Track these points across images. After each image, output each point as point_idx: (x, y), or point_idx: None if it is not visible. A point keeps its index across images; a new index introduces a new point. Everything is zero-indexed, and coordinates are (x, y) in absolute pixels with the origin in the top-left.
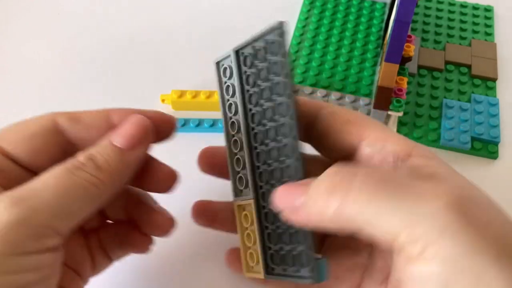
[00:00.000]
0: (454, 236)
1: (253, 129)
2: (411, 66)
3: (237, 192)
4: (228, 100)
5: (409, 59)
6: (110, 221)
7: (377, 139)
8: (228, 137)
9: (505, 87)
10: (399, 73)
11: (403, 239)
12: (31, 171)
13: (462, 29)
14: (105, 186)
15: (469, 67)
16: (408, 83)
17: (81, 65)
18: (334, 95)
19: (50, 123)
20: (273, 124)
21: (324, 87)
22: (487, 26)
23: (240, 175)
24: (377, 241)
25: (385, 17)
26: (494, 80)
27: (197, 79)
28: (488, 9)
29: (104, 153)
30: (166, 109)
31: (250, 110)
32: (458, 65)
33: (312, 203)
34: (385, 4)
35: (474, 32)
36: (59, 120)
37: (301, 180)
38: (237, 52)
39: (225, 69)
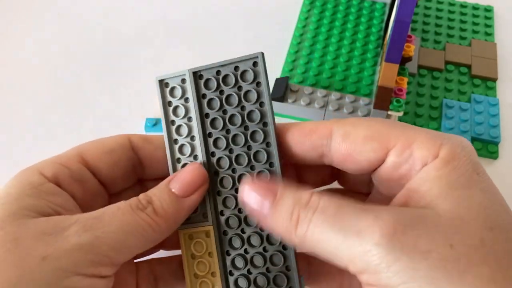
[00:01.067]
0: (386, 274)
1: (213, 154)
2: (411, 66)
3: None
4: (174, 121)
5: (409, 59)
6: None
7: (403, 147)
8: (174, 159)
9: (505, 87)
10: (399, 73)
11: (351, 269)
12: (104, 185)
13: (462, 29)
14: (160, 228)
15: (469, 67)
16: (408, 83)
17: (81, 64)
18: (334, 95)
19: (126, 140)
20: (245, 151)
21: (324, 87)
22: (487, 26)
23: None
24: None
25: (385, 17)
26: (494, 80)
27: None
28: (488, 9)
29: (161, 198)
30: None
31: (211, 134)
32: (458, 65)
33: (277, 222)
34: (385, 4)
35: (474, 32)
36: (133, 138)
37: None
38: (196, 74)
39: (173, 88)
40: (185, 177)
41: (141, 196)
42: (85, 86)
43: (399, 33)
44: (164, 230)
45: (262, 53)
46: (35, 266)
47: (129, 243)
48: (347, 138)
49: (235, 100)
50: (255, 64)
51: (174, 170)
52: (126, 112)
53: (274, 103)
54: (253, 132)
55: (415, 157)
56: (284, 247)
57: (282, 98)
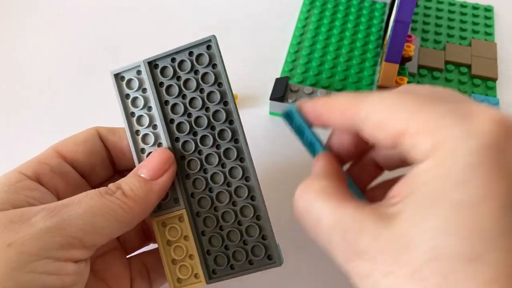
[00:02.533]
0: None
1: (177, 139)
2: (411, 66)
3: (154, 209)
4: (134, 113)
5: (409, 59)
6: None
7: (410, 134)
8: (138, 150)
9: (505, 87)
10: (399, 73)
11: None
12: (84, 176)
13: (462, 29)
14: (132, 210)
15: (469, 67)
16: (408, 83)
17: (81, 64)
18: (334, 95)
19: (94, 132)
20: (209, 131)
21: (324, 87)
22: (487, 26)
23: None
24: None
25: (385, 17)
26: (494, 80)
27: None
28: (488, 9)
29: (130, 183)
30: None
31: (173, 120)
32: (458, 65)
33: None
34: (385, 4)
35: (474, 32)
36: (100, 130)
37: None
38: (151, 63)
39: (130, 80)
40: (152, 161)
41: (110, 184)
42: (85, 86)
43: (399, 33)
44: (136, 212)
45: (214, 36)
46: (0, 253)
47: (99, 224)
48: (367, 122)
49: (193, 84)
50: (208, 47)
51: (139, 160)
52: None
53: (275, 103)
54: (215, 112)
55: (419, 147)
56: (258, 217)
57: (282, 98)
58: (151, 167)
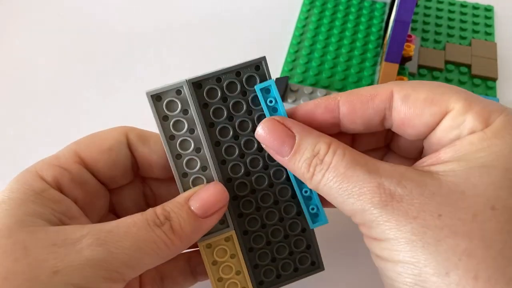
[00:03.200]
0: (376, 230)
1: (224, 161)
2: (411, 66)
3: None
4: (174, 136)
5: (409, 58)
6: None
7: (459, 113)
8: (180, 175)
9: (505, 87)
10: (399, 73)
11: (353, 220)
12: (103, 183)
13: (462, 29)
14: (175, 247)
15: (469, 67)
16: None
17: (81, 64)
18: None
19: (123, 137)
20: (258, 154)
21: (324, 87)
22: (487, 26)
23: None
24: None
25: (385, 17)
26: (494, 80)
27: None
28: (488, 9)
29: (180, 216)
30: None
31: (219, 143)
32: (458, 65)
33: (295, 165)
34: (385, 4)
35: (474, 32)
36: (130, 135)
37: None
38: (195, 84)
39: (169, 101)
40: (207, 198)
41: (159, 210)
42: (85, 86)
43: (399, 33)
44: (178, 249)
45: (265, 57)
46: (46, 280)
47: (142, 260)
48: (407, 101)
49: (242, 106)
50: (257, 68)
51: (183, 185)
52: (125, 114)
53: None
54: None
55: (466, 124)
56: (303, 230)
57: (282, 98)
58: (204, 203)
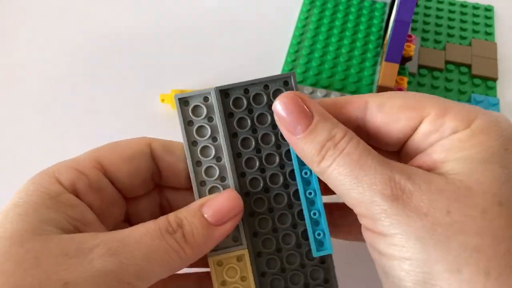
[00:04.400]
0: (382, 223)
1: (243, 174)
2: (412, 66)
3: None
4: (196, 142)
5: (409, 58)
6: None
7: (437, 116)
8: (198, 182)
9: (506, 87)
10: (399, 73)
11: (356, 210)
12: (121, 191)
13: (462, 29)
14: (187, 256)
15: (469, 67)
16: (408, 82)
17: (81, 64)
18: (334, 94)
19: (146, 148)
20: (280, 170)
21: (324, 87)
22: (487, 25)
23: None
24: None
25: (385, 17)
26: (494, 80)
27: (197, 79)
28: (488, 9)
29: (192, 224)
30: (166, 108)
31: (240, 155)
32: (458, 65)
33: (304, 147)
34: (385, 4)
35: (474, 31)
36: (154, 146)
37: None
38: (222, 92)
39: (196, 107)
40: (220, 205)
41: (171, 217)
42: (85, 86)
43: (399, 33)
44: (190, 258)
45: (294, 73)
46: None
47: (154, 271)
48: (383, 108)
49: (267, 119)
50: (286, 83)
51: (200, 193)
52: (125, 113)
53: None
54: (287, 151)
55: (446, 126)
56: (322, 260)
57: None
58: (217, 210)
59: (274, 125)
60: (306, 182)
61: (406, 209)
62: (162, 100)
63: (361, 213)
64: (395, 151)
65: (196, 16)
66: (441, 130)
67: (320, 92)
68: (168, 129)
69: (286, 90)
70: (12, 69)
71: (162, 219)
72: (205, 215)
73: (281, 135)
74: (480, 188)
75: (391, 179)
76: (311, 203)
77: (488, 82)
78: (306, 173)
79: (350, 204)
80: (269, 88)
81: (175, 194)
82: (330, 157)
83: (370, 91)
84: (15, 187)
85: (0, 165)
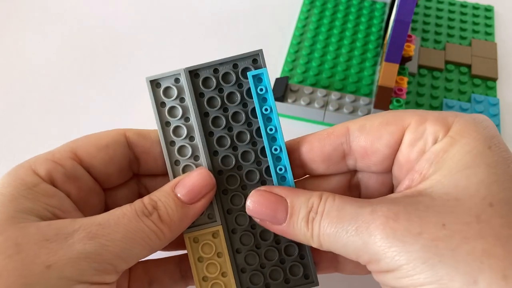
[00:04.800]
0: (385, 261)
1: (216, 153)
2: (411, 66)
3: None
4: (169, 122)
5: (409, 58)
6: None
7: (417, 124)
8: (172, 162)
9: (506, 87)
10: (399, 73)
11: (361, 262)
12: (98, 181)
13: (462, 29)
14: (165, 236)
15: (469, 67)
16: (408, 82)
17: (81, 63)
18: (334, 95)
19: (121, 137)
20: (251, 147)
21: (324, 87)
22: (487, 26)
23: None
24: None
25: (385, 17)
26: (494, 80)
27: None
28: (488, 9)
29: (167, 204)
30: None
31: (212, 133)
32: (458, 65)
33: (294, 228)
34: (385, 4)
35: (474, 32)
36: (128, 134)
37: (276, 187)
38: (192, 72)
39: (167, 88)
40: (192, 183)
41: (146, 200)
42: (84, 84)
43: (399, 33)
44: (168, 237)
45: (261, 50)
46: (39, 275)
47: (134, 251)
48: (364, 129)
49: (236, 97)
50: (255, 61)
51: (174, 172)
52: (123, 112)
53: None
54: (258, 128)
55: (428, 132)
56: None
57: (282, 98)
58: (190, 188)
59: (244, 104)
60: (267, 119)
61: (398, 235)
62: None
63: (365, 261)
64: (389, 172)
65: (197, 15)
66: (424, 136)
67: (320, 92)
68: None
69: (255, 68)
70: (10, 69)
71: (137, 202)
72: (179, 195)
73: (252, 113)
74: (468, 194)
75: (372, 212)
76: (272, 139)
77: (488, 82)
78: (266, 110)
79: (354, 258)
80: (238, 67)
81: (153, 181)
82: (316, 225)
83: (370, 91)
84: None
85: (1, 165)
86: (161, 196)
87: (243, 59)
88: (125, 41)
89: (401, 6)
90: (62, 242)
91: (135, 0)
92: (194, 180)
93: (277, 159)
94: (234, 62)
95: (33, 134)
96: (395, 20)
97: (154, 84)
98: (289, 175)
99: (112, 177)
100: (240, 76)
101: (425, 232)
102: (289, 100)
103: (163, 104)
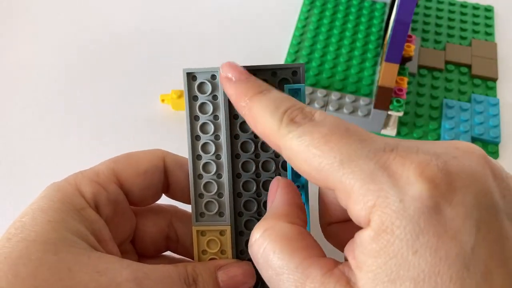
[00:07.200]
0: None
1: (238, 155)
2: (411, 66)
3: (197, 217)
4: (199, 117)
5: (409, 59)
6: None
7: (344, 197)
8: (195, 157)
9: (506, 87)
10: (399, 73)
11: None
12: (132, 205)
13: (462, 29)
14: None
15: (469, 67)
16: (408, 83)
17: (81, 65)
18: (334, 95)
19: (160, 162)
20: (274, 158)
21: (324, 87)
22: (487, 26)
23: (208, 199)
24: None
25: (385, 17)
26: (494, 80)
27: None
28: (489, 9)
29: (206, 284)
30: (166, 109)
31: (238, 136)
32: (458, 65)
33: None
34: (385, 4)
35: (474, 32)
36: (167, 160)
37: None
38: None
39: (202, 83)
40: (235, 276)
41: (189, 269)
42: (85, 86)
43: (399, 33)
44: None
45: (303, 64)
46: None
47: None
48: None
49: None
50: (294, 73)
51: (195, 168)
52: (125, 113)
53: None
54: None
55: (351, 214)
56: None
57: None
58: (231, 280)
59: None
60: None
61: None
62: (162, 101)
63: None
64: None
65: (197, 17)
66: (355, 214)
67: (320, 92)
68: (168, 129)
69: (294, 81)
70: (14, 70)
71: (181, 268)
72: (219, 279)
73: None
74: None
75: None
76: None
77: (488, 82)
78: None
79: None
80: (276, 76)
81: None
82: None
83: (370, 91)
84: (16, 187)
85: (2, 165)
86: (203, 272)
87: (283, 69)
88: (129, 46)
89: (401, 6)
90: (111, 279)
91: (138, 6)
92: (238, 272)
93: (296, 174)
94: (273, 70)
95: (36, 134)
96: (395, 20)
97: (190, 76)
98: (304, 194)
99: (146, 202)
100: (277, 85)
101: (406, 276)
102: None
103: (195, 97)
